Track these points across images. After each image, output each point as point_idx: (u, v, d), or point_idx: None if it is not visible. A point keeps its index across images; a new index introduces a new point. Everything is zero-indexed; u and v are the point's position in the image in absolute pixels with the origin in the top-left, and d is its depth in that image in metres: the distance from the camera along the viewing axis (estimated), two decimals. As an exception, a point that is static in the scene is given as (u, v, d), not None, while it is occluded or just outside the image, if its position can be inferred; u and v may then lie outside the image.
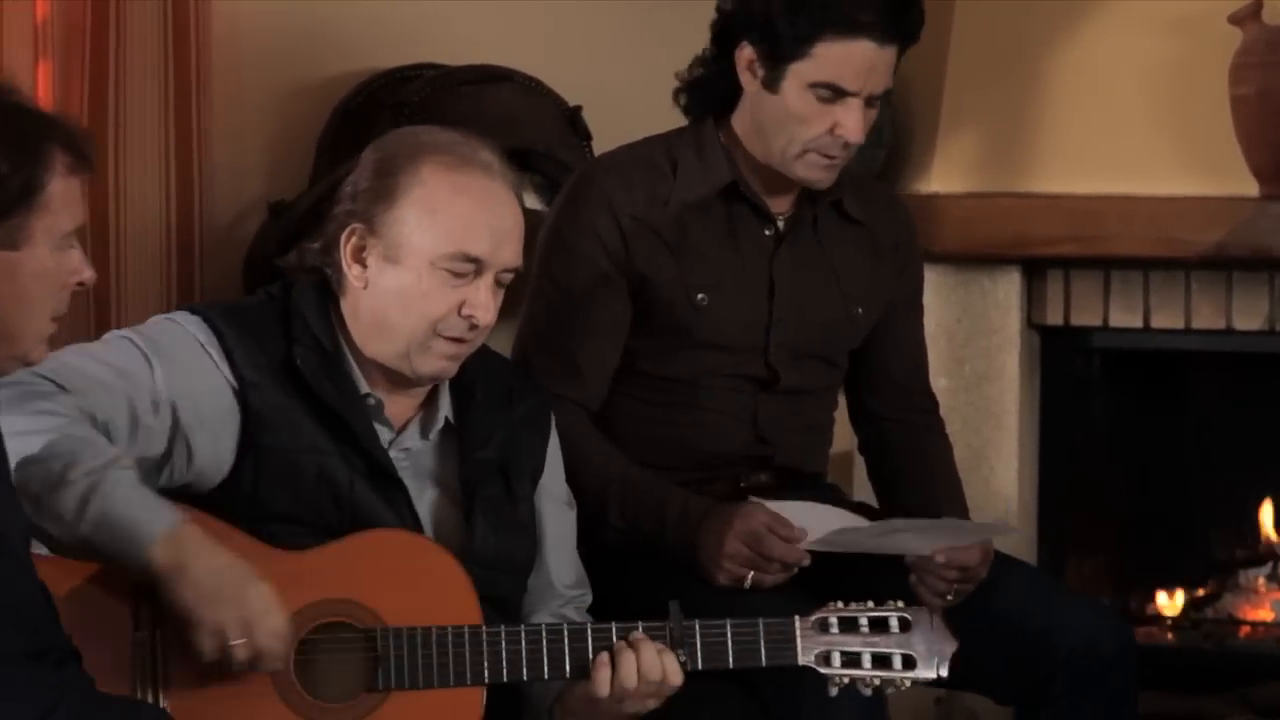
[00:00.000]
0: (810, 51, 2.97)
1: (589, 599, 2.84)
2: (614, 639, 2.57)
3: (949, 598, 2.95)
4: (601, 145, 3.57)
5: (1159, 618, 4.07)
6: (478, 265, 2.62)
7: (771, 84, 3.02)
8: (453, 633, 2.54)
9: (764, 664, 2.61)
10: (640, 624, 2.58)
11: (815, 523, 2.94)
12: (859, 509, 3.13)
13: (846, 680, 2.58)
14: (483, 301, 2.62)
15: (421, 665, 2.52)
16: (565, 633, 2.57)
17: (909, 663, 2.60)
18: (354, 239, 2.63)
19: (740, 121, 3.09)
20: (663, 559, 2.98)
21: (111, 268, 3.50)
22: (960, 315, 4.03)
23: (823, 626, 2.60)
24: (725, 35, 3.07)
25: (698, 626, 2.60)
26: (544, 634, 2.57)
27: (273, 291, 2.71)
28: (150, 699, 2.44)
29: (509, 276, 2.66)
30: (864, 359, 3.26)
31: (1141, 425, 4.13)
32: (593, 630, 2.58)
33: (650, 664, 2.55)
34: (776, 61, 3.00)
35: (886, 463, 3.30)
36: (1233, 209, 3.73)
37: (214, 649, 2.39)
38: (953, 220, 3.93)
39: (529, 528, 2.76)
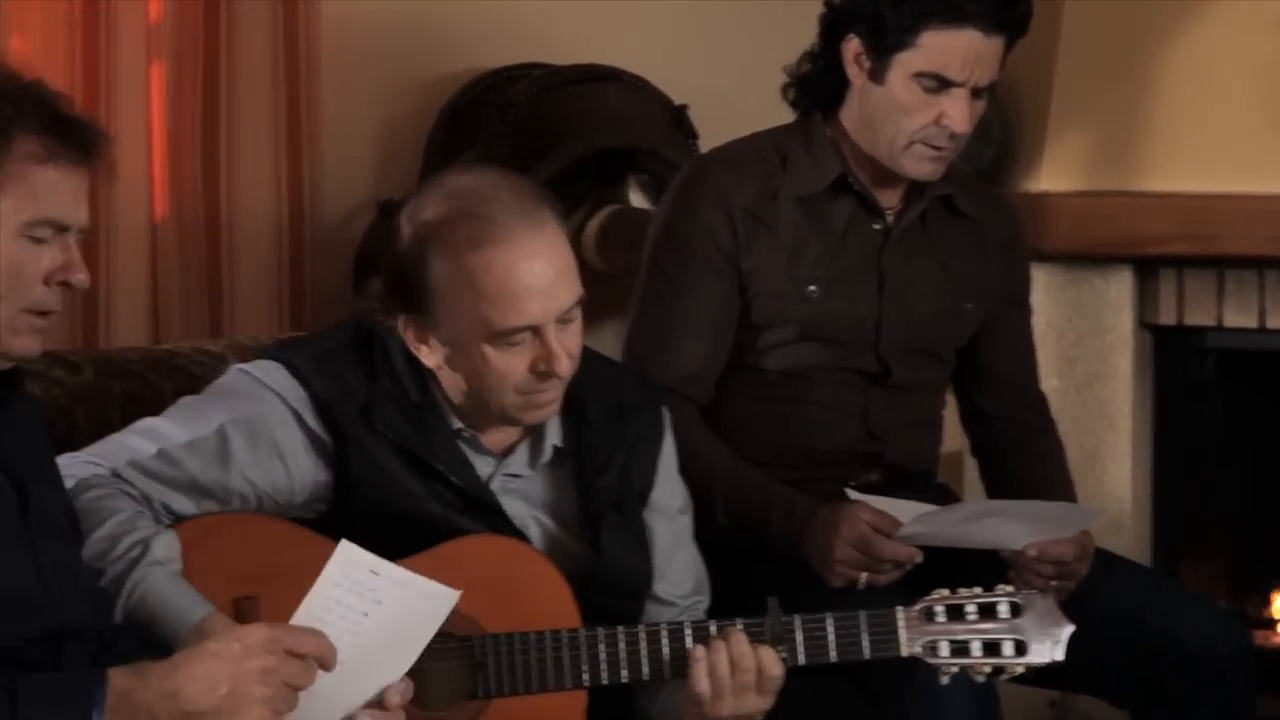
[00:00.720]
0: (915, 41, 2.96)
1: (705, 603, 2.80)
2: (712, 636, 2.54)
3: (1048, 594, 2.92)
4: (707, 143, 3.57)
5: (1275, 621, 4.02)
6: (536, 329, 2.53)
7: (877, 76, 3.01)
8: (550, 637, 2.52)
9: (867, 656, 2.58)
10: (739, 620, 2.56)
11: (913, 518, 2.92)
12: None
13: (956, 669, 2.55)
14: (557, 351, 2.53)
15: (521, 671, 2.51)
16: (663, 632, 2.55)
17: (1020, 648, 2.55)
18: (412, 329, 2.57)
19: (848, 115, 3.08)
20: (771, 555, 2.96)
21: (224, 268, 3.54)
22: (1071, 315, 4.00)
23: (928, 615, 2.57)
24: (833, 29, 3.07)
25: (798, 621, 2.57)
26: (642, 635, 2.55)
27: (355, 334, 2.64)
28: None
29: (575, 311, 2.56)
30: (973, 358, 3.24)
31: (1257, 425, 4.08)
32: (691, 628, 2.56)
33: (741, 654, 2.51)
34: (882, 52, 3.00)
35: (998, 463, 3.28)
36: (1348, 207, 3.69)
37: None
38: (1063, 219, 3.91)
39: (644, 549, 2.72)
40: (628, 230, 3.65)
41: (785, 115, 3.16)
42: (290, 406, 2.58)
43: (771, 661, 2.53)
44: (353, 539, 2.44)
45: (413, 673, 2.44)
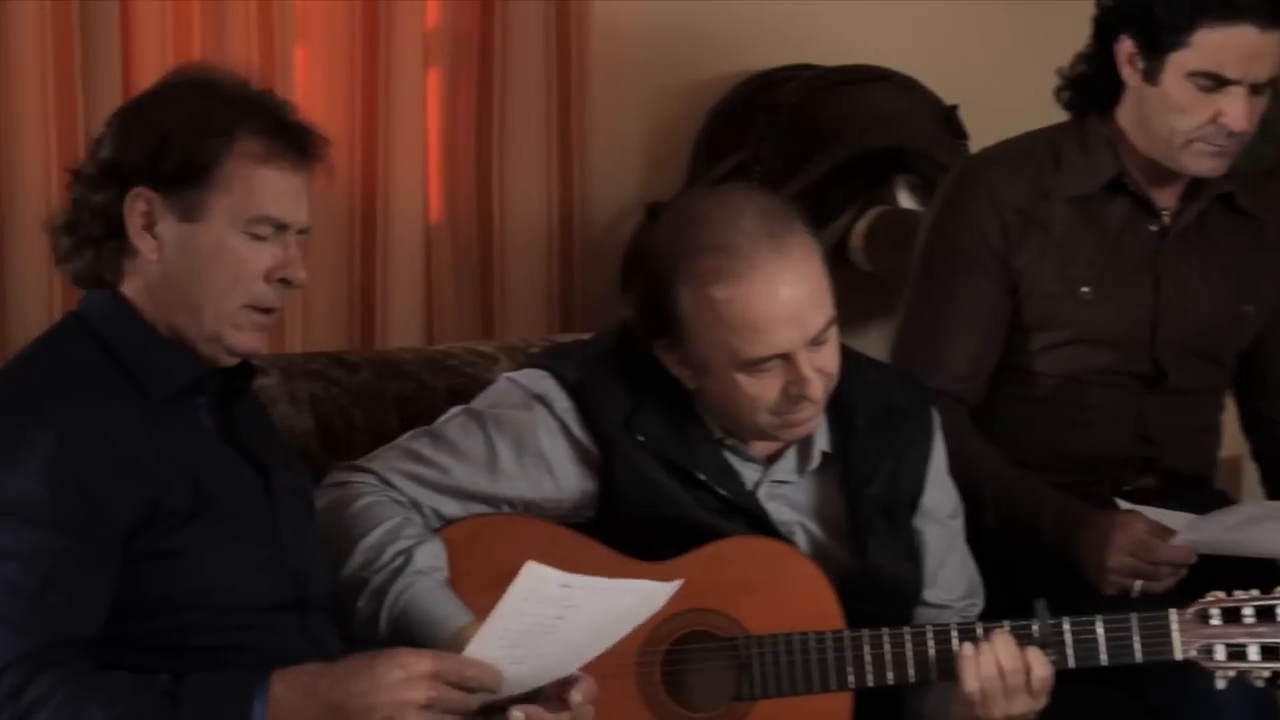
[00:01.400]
0: (1189, 40, 2.92)
1: (979, 606, 2.78)
2: (978, 636, 2.53)
3: None
4: (977, 144, 3.54)
5: None
6: (786, 356, 2.52)
7: (1152, 76, 2.98)
8: (815, 638, 2.53)
9: (1139, 659, 2.55)
10: (1006, 622, 2.54)
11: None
12: None
13: (1234, 673, 2.50)
14: (808, 376, 2.51)
15: (786, 672, 2.52)
16: (929, 633, 2.55)
17: None
18: (669, 353, 2.58)
19: (1124, 116, 3.05)
20: (1038, 559, 2.93)
21: (496, 269, 3.58)
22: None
23: (1202, 618, 2.53)
24: (1105, 29, 3.05)
25: (1067, 624, 2.55)
26: (908, 636, 2.54)
27: (620, 341, 2.66)
28: None
29: (828, 333, 2.54)
30: (1255, 361, 3.19)
31: None
32: (957, 629, 2.55)
33: (1007, 655, 2.50)
34: (1155, 52, 2.96)
35: (1280, 469, 3.22)
36: None
37: None
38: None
39: (914, 556, 2.71)
40: (895, 231, 3.64)
41: (1055, 115, 3.13)
42: (557, 417, 2.61)
43: (1040, 663, 2.51)
44: (619, 544, 2.48)
45: (678, 675, 2.47)
